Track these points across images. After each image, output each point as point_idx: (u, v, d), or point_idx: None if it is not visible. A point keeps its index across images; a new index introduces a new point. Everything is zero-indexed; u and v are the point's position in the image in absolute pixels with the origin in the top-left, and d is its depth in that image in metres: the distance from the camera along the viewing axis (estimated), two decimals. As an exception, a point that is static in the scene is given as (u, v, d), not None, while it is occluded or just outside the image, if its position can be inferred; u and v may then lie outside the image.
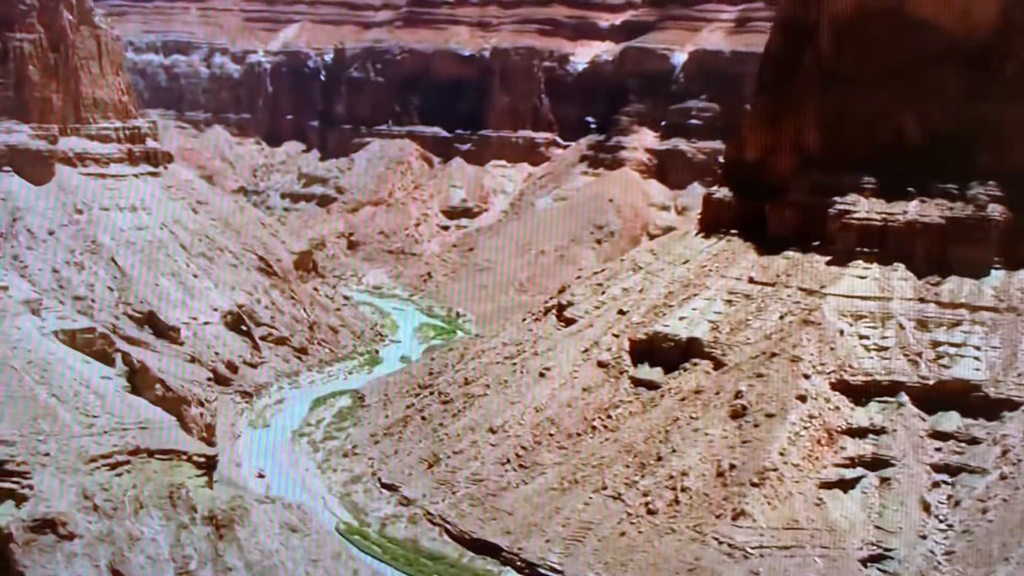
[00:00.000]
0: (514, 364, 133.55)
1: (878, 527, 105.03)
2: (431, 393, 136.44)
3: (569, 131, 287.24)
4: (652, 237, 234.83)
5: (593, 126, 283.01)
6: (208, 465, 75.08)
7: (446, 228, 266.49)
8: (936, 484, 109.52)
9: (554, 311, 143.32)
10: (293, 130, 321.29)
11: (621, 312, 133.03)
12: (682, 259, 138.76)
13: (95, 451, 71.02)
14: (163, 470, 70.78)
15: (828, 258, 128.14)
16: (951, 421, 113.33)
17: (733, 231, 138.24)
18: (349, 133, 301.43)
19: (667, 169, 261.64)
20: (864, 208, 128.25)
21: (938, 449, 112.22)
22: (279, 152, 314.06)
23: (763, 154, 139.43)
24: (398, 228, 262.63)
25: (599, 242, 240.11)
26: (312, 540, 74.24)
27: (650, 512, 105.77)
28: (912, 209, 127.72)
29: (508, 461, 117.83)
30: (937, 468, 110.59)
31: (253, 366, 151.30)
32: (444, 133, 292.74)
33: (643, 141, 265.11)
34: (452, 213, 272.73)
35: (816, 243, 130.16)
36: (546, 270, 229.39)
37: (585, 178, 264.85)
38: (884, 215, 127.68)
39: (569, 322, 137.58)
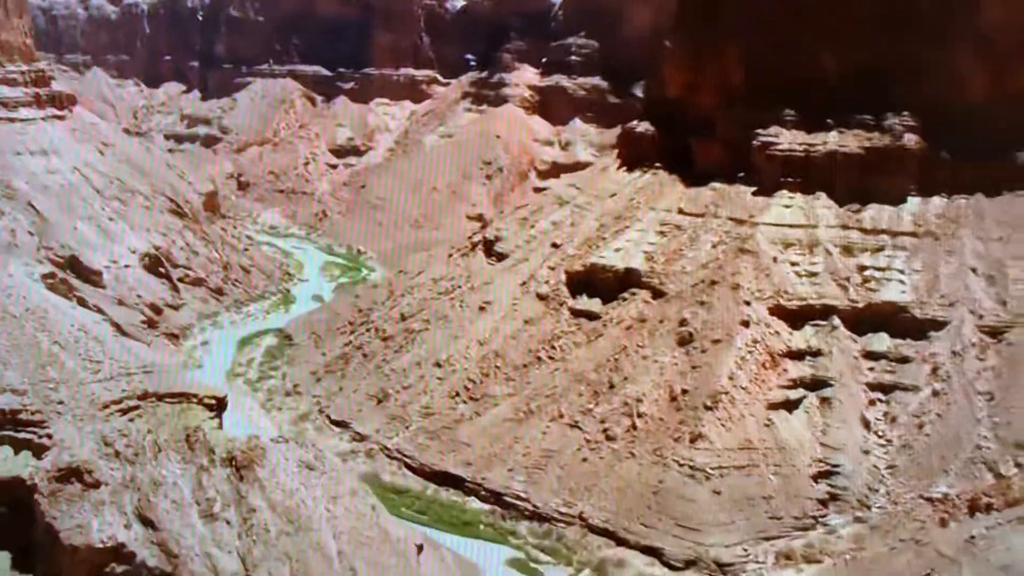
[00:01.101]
0: (451, 299, 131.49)
1: (824, 444, 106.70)
2: (368, 330, 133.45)
3: (449, 69, 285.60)
4: (540, 172, 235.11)
5: (473, 64, 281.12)
6: (218, 407, 71.30)
7: (334, 167, 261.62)
8: (872, 402, 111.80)
9: (481, 246, 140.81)
10: (172, 71, 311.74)
11: (555, 245, 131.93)
12: (608, 192, 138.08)
13: (106, 397, 66.68)
14: (174, 413, 66.95)
15: (754, 189, 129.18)
16: (881, 342, 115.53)
17: (658, 165, 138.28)
18: (229, 73, 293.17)
19: (549, 105, 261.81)
20: (786, 140, 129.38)
21: (871, 369, 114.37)
22: (159, 93, 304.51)
23: (685, 90, 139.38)
24: (287, 168, 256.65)
25: (489, 178, 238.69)
26: (329, 478, 71.30)
27: (609, 438, 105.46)
28: (832, 140, 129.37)
29: (458, 394, 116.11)
30: (872, 387, 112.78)
31: (175, 308, 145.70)
32: (326, 72, 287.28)
33: (524, 78, 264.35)
34: (339, 152, 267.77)
35: (741, 175, 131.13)
36: (440, 206, 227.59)
37: (469, 115, 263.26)
38: (806, 146, 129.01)
39: (501, 257, 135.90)
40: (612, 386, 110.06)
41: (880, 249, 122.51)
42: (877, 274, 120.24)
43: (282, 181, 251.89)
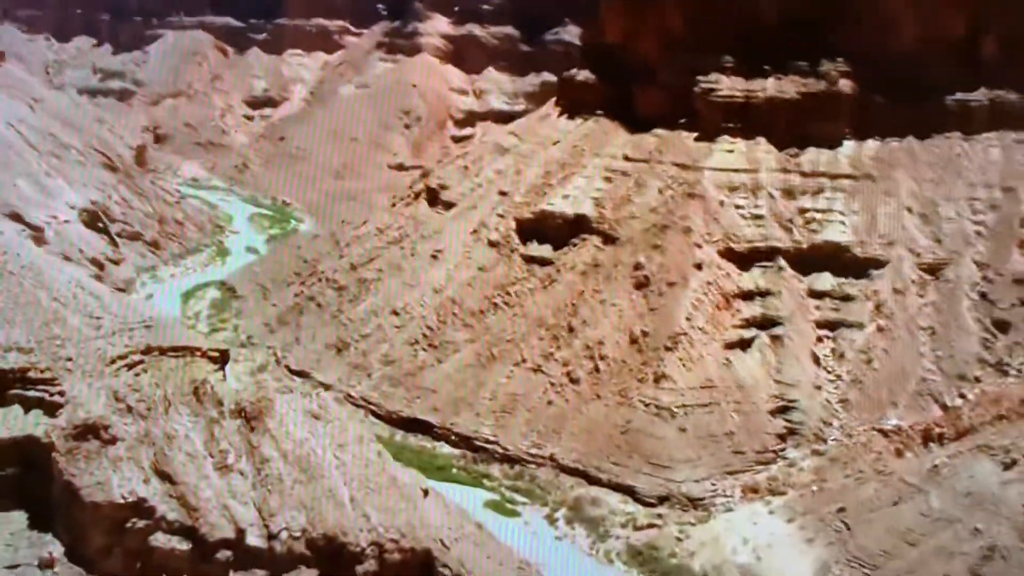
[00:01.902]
0: (402, 248, 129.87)
1: (778, 381, 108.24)
2: (318, 280, 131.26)
3: (361, 18, 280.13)
4: (456, 121, 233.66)
5: (384, 12, 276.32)
6: (221, 360, 69.29)
7: (250, 118, 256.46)
8: (821, 339, 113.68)
9: (424, 195, 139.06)
10: (83, 24, 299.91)
11: (502, 193, 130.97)
12: (551, 140, 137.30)
13: (112, 353, 64.26)
14: (179, 367, 64.86)
15: (696, 134, 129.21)
16: (825, 281, 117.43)
17: (599, 112, 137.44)
18: (140, 25, 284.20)
19: (463, 54, 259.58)
20: (727, 87, 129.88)
21: (818, 307, 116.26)
22: (69, 47, 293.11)
23: (624, 37, 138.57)
24: (203, 120, 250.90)
25: (407, 127, 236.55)
26: (335, 426, 70.01)
27: (573, 381, 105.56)
28: (770, 86, 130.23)
29: (417, 342, 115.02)
30: (820, 324, 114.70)
31: (116, 263, 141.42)
32: (237, 23, 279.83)
33: (438, 27, 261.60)
34: (254, 103, 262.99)
35: (683, 121, 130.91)
36: (361, 157, 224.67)
37: (384, 65, 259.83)
38: (745, 92, 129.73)
39: (447, 205, 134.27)
40: (572, 330, 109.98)
41: (820, 191, 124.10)
42: (818, 216, 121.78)
43: (199, 133, 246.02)
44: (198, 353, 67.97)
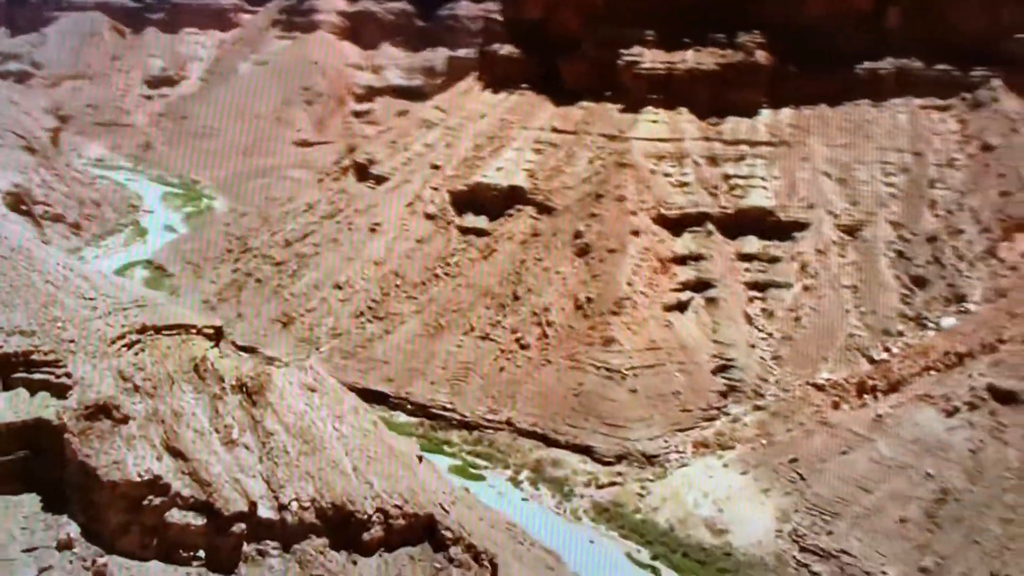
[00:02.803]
0: (338, 222, 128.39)
1: (716, 341, 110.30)
2: (254, 257, 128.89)
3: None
4: (356, 96, 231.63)
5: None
6: (216, 336, 67.72)
7: (150, 98, 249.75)
8: (752, 300, 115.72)
9: (352, 170, 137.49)
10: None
11: (435, 167, 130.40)
12: (478, 114, 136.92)
13: (111, 333, 62.35)
14: (175, 345, 63.26)
15: (621, 106, 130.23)
16: (752, 244, 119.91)
17: (524, 85, 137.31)
18: (37, 7, 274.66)
19: (359, 30, 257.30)
20: (649, 59, 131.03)
21: (747, 269, 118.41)
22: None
23: (546, 12, 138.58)
24: (104, 101, 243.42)
25: (309, 103, 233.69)
26: (331, 397, 69.30)
27: (523, 347, 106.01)
28: (690, 58, 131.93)
29: (362, 314, 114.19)
30: (750, 285, 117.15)
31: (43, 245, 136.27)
32: (133, 3, 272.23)
33: (334, 4, 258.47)
34: (153, 83, 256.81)
35: (608, 93, 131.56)
36: (265, 133, 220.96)
37: (282, 42, 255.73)
38: (667, 64, 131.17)
39: (379, 180, 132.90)
40: (517, 298, 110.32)
41: (741, 158, 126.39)
42: (741, 182, 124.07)
43: (100, 114, 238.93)
44: (193, 331, 66.26)
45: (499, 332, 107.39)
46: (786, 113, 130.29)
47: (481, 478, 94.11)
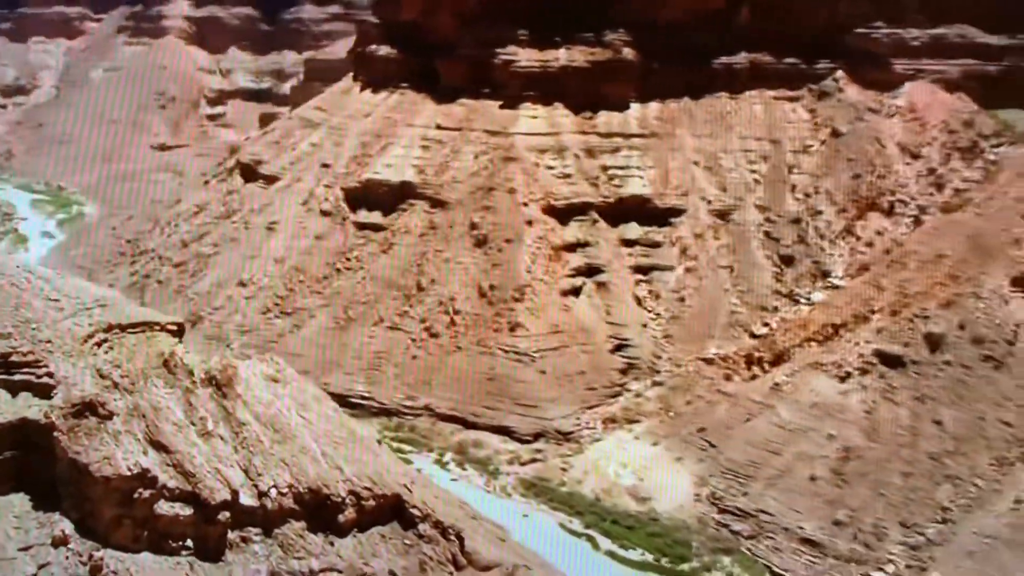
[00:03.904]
0: (234, 222, 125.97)
1: (610, 323, 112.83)
2: (151, 259, 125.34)
3: (99, 4, 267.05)
4: (209, 100, 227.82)
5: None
6: (178, 332, 66.64)
7: (4, 107, 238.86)
8: (638, 282, 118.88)
9: (239, 171, 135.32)
10: None
11: (325, 165, 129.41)
12: (362, 113, 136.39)
13: (81, 333, 60.88)
14: (142, 342, 62.14)
15: (500, 103, 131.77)
16: (634, 230, 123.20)
17: (404, 84, 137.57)
18: None
19: (206, 35, 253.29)
20: (524, 57, 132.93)
21: (631, 254, 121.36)
22: None
23: (421, 14, 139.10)
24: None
25: (163, 108, 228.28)
26: (293, 387, 68.98)
27: (433, 336, 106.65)
28: (563, 56, 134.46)
29: (269, 310, 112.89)
30: (635, 269, 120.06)
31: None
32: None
33: (180, 9, 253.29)
34: (7, 91, 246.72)
35: (486, 90, 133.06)
36: (123, 138, 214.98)
37: (131, 48, 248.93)
38: (541, 62, 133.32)
39: (270, 179, 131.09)
40: (422, 288, 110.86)
41: (617, 150, 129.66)
42: (619, 172, 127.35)
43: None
44: (157, 327, 64.98)
45: (408, 322, 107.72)
46: (653, 107, 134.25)
47: (408, 462, 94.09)
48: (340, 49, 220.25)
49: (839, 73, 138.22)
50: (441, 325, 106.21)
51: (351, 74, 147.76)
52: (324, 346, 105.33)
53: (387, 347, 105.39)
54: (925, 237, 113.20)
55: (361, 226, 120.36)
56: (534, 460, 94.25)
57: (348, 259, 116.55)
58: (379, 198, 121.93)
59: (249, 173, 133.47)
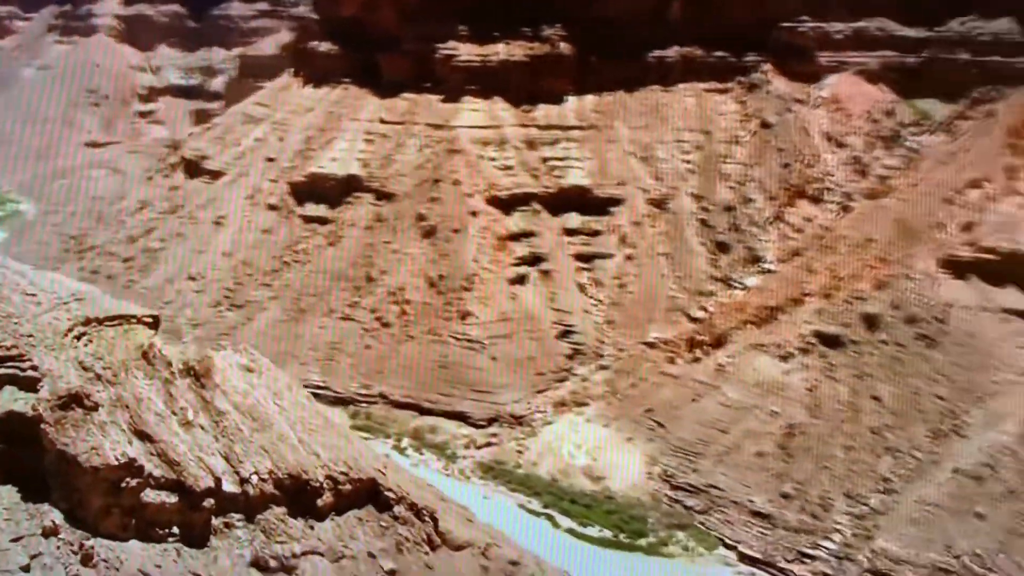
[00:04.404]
0: (180, 217, 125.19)
1: (555, 309, 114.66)
2: (98, 255, 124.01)
3: (29, 3, 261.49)
4: (141, 97, 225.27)
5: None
6: (154, 324, 66.83)
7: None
8: (580, 270, 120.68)
9: (182, 167, 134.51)
10: None
11: (270, 160, 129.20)
12: (304, 108, 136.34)
13: (61, 327, 60.94)
14: (119, 334, 62.41)
15: (442, 97, 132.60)
16: (574, 220, 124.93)
17: (345, 80, 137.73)
18: None
19: (136, 32, 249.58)
20: (465, 52, 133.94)
21: (571, 243, 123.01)
22: None
23: (362, 10, 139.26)
24: None
25: (96, 105, 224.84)
26: (268, 376, 69.62)
27: (384, 325, 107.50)
28: (502, 50, 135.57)
29: (220, 303, 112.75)
30: (577, 257, 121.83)
31: None
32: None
33: (110, 8, 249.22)
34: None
35: (428, 85, 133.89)
36: (56, 136, 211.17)
37: (61, 47, 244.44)
38: (481, 57, 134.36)
39: (215, 174, 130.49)
40: (371, 279, 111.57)
41: (556, 142, 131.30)
42: (559, 163, 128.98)
43: None
44: (133, 320, 65.12)
45: (359, 312, 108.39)
46: (590, 99, 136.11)
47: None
48: (268, 46, 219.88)
49: (767, 66, 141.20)
50: (392, 315, 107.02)
51: (291, 70, 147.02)
52: (277, 338, 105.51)
53: (340, 337, 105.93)
54: (853, 222, 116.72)
55: (308, 219, 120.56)
56: (489, 444, 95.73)
57: (296, 252, 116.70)
58: (325, 191, 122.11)
59: (193, 169, 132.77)
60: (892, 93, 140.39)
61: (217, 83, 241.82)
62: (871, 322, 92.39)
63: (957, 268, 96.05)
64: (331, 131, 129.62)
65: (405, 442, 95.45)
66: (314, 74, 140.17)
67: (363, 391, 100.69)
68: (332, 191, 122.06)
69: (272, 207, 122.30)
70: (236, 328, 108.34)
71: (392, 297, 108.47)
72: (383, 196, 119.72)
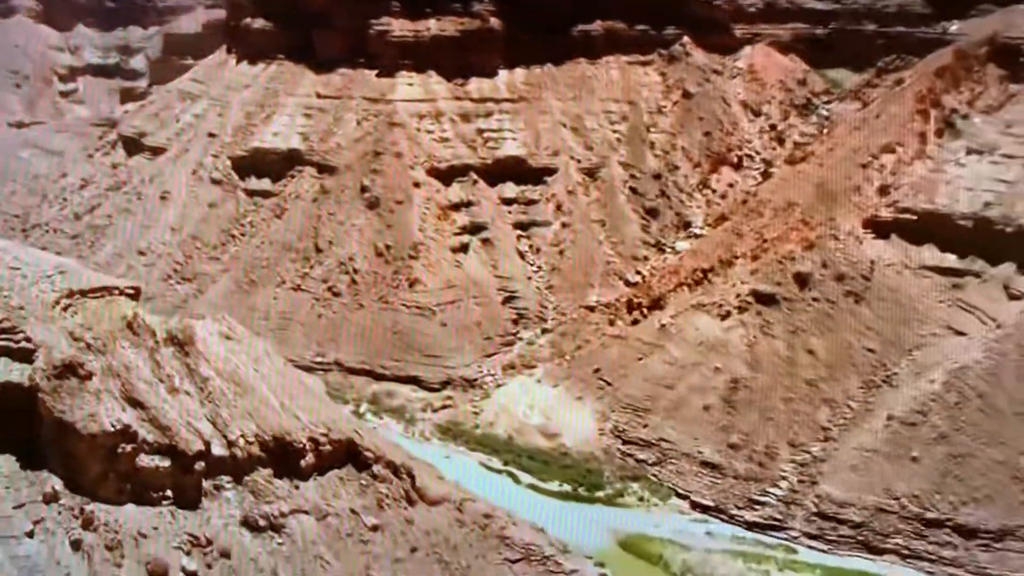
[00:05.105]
0: (126, 194, 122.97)
1: (498, 276, 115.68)
2: (44, 233, 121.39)
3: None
4: (61, 76, 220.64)
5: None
6: (135, 295, 66.51)
7: None
8: (519, 238, 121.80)
9: (122, 144, 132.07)
10: None
11: (211, 135, 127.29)
12: (241, 85, 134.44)
13: (48, 299, 60.47)
14: (103, 306, 62.16)
15: (377, 71, 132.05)
16: (511, 189, 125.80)
17: (280, 56, 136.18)
18: None
19: (53, 13, 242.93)
20: (398, 28, 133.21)
21: (510, 212, 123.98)
22: None
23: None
24: None
25: (18, 86, 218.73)
26: (246, 344, 69.96)
27: (335, 295, 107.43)
28: (433, 26, 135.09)
29: (170, 277, 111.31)
30: (516, 225, 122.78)
31: None
32: None
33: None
34: None
35: (362, 60, 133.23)
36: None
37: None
38: (413, 32, 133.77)
39: (156, 151, 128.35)
40: (320, 250, 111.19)
41: (490, 114, 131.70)
42: (493, 135, 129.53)
43: None
44: (116, 291, 64.75)
45: (310, 283, 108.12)
46: (519, 73, 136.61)
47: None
48: (190, 23, 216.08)
49: (685, 39, 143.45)
50: (342, 284, 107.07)
51: (224, 47, 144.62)
52: (229, 309, 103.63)
53: (292, 307, 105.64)
54: (775, 187, 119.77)
55: (251, 193, 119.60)
56: (445, 406, 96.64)
57: (243, 225, 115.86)
58: (267, 166, 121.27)
59: (133, 146, 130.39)
60: (803, 63, 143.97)
61: (136, 61, 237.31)
62: (803, 281, 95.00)
63: (879, 228, 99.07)
64: (270, 107, 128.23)
65: (364, 407, 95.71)
66: (249, 51, 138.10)
67: (318, 359, 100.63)
68: (274, 165, 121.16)
69: (216, 182, 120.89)
70: (188, 301, 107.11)
71: (341, 267, 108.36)
72: (325, 169, 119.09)
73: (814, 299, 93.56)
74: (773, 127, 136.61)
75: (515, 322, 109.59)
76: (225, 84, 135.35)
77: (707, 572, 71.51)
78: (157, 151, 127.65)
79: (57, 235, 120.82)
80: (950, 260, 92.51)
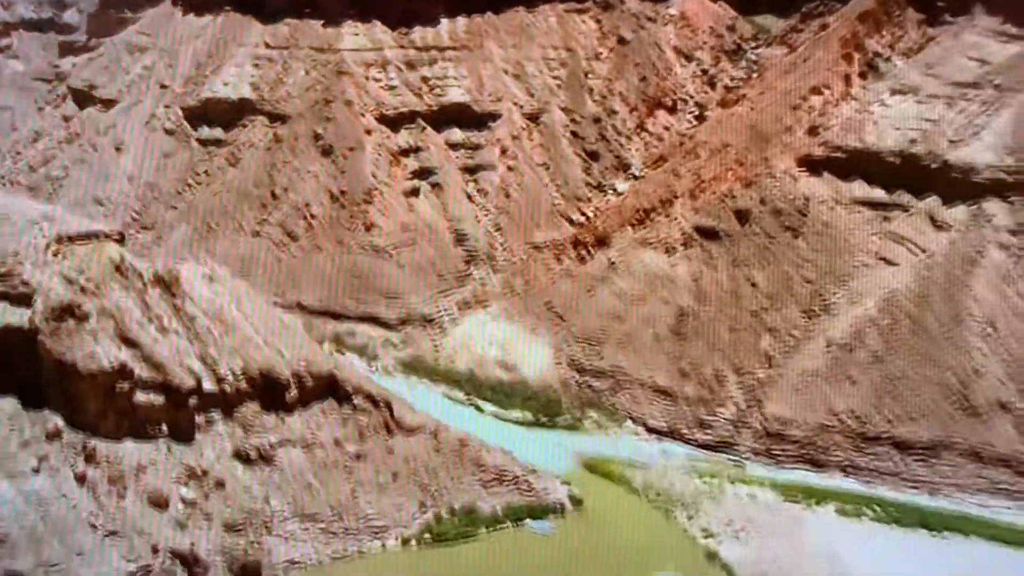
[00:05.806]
0: (80, 145, 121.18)
1: (449, 219, 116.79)
2: (2, 184, 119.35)
3: None
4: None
5: None
6: (120, 240, 67.03)
7: None
8: (467, 181, 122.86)
9: (71, 97, 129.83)
10: None
11: (163, 86, 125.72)
12: (190, 36, 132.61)
13: (39, 244, 60.94)
14: (92, 250, 62.75)
15: (322, 22, 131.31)
16: (457, 135, 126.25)
17: (227, 8, 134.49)
18: None
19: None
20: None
21: (457, 157, 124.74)
22: None
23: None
24: None
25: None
26: (228, 285, 70.94)
27: (293, 239, 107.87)
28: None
29: (129, 225, 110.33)
30: (463, 170, 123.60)
31: None
32: None
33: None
34: None
35: (307, 11, 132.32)
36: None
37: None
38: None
39: (107, 103, 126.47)
40: (276, 197, 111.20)
41: (434, 62, 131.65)
42: (438, 82, 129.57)
43: None
44: (102, 236, 65.25)
45: (268, 228, 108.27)
46: (461, 21, 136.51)
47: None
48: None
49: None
50: (300, 229, 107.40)
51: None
52: (190, 256, 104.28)
53: (251, 252, 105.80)
54: (711, 129, 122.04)
55: (204, 143, 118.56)
56: (405, 343, 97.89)
57: (198, 174, 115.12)
58: (219, 115, 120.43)
59: (83, 98, 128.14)
60: (731, 10, 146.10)
61: (69, 16, 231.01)
62: (742, 216, 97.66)
63: (812, 166, 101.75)
64: (219, 57, 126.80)
65: (327, 347, 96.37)
66: (195, 2, 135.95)
67: (280, 301, 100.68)
68: (226, 114, 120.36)
69: (169, 132, 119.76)
70: (147, 248, 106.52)
71: (298, 212, 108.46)
72: (277, 118, 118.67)
73: (754, 234, 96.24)
74: (705, 72, 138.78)
75: (467, 262, 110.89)
76: (173, 36, 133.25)
77: (665, 487, 74.34)
78: (109, 103, 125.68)
79: (13, 188, 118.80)
80: (879, 195, 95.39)
